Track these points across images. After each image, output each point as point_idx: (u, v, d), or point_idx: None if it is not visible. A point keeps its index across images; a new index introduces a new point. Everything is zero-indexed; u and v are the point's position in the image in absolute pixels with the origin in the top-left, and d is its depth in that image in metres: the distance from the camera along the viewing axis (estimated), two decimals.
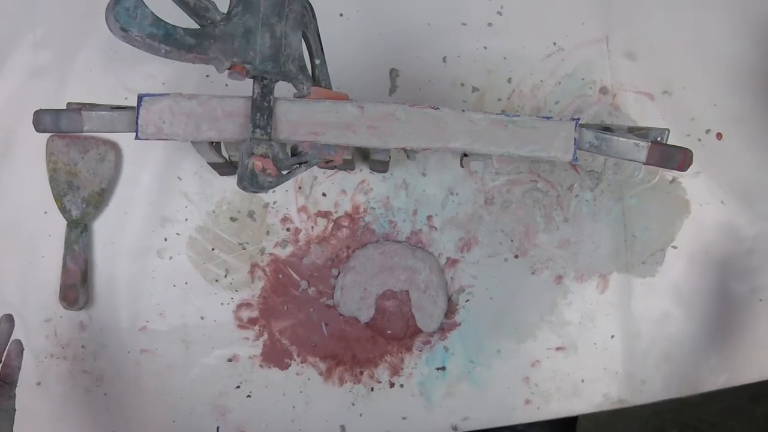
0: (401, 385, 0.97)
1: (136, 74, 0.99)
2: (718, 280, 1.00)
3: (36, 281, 0.96)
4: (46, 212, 0.96)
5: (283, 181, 0.71)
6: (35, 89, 0.99)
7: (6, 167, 0.97)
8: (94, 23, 0.99)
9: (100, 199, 0.96)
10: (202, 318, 0.96)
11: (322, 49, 0.76)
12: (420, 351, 0.97)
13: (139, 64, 0.98)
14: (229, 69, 0.67)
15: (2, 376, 0.78)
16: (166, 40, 0.62)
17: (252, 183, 0.67)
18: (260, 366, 0.96)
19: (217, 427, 0.95)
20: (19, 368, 0.79)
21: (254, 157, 0.67)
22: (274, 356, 0.96)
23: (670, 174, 0.99)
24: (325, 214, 0.98)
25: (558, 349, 0.99)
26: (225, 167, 0.91)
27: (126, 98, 0.97)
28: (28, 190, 0.97)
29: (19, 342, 0.80)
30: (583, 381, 0.99)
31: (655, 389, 1.00)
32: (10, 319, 0.80)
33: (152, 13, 0.62)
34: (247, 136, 0.68)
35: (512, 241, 0.98)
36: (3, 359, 0.79)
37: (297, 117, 0.71)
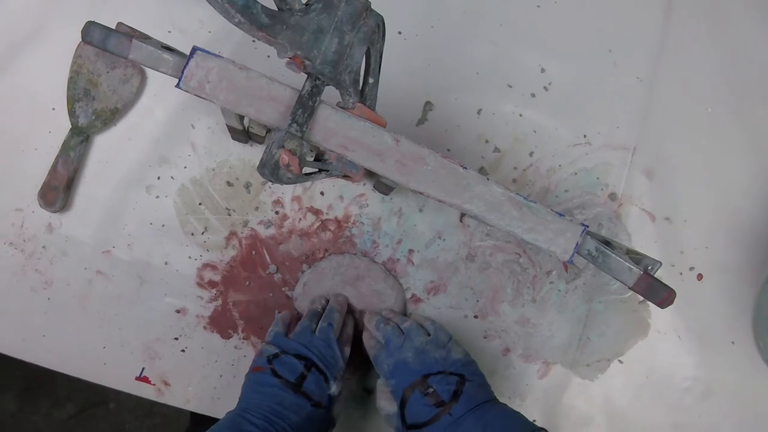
0: None
1: (187, 14, 0.99)
2: (648, 405, 1.03)
3: (20, 168, 0.95)
4: (54, 109, 0.96)
5: (300, 181, 0.72)
6: None
7: (32, 50, 0.97)
8: None
9: (110, 117, 0.96)
10: (166, 263, 0.96)
11: (379, 70, 0.76)
12: (356, 369, 0.98)
13: (194, 4, 0.98)
14: (289, 58, 0.68)
15: None
16: (242, 11, 0.62)
17: (272, 173, 0.68)
18: (204, 327, 0.97)
19: (142, 368, 0.96)
20: None
21: (283, 150, 0.68)
22: (221, 323, 0.97)
23: None
24: (316, 212, 0.98)
25: None
26: (240, 134, 0.92)
27: (169, 31, 0.98)
28: (44, 81, 0.96)
29: None
30: None
31: None
32: None
33: None
34: (283, 126, 0.69)
35: (478, 301, 1.00)
36: None
37: (335, 126, 0.71)
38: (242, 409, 0.79)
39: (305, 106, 0.69)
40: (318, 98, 0.70)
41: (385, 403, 0.86)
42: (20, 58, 0.96)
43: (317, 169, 0.75)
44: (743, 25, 1.08)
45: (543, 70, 1.04)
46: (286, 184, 0.71)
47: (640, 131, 1.04)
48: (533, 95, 1.03)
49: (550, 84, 1.03)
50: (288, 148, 0.69)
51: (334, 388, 0.84)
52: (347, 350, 0.89)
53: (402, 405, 0.83)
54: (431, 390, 0.81)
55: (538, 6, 1.05)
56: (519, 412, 0.82)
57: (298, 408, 0.80)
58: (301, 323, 0.89)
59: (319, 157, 0.75)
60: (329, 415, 0.84)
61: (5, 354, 0.95)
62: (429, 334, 0.88)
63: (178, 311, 0.97)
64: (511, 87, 1.03)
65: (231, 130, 0.92)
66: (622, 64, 1.05)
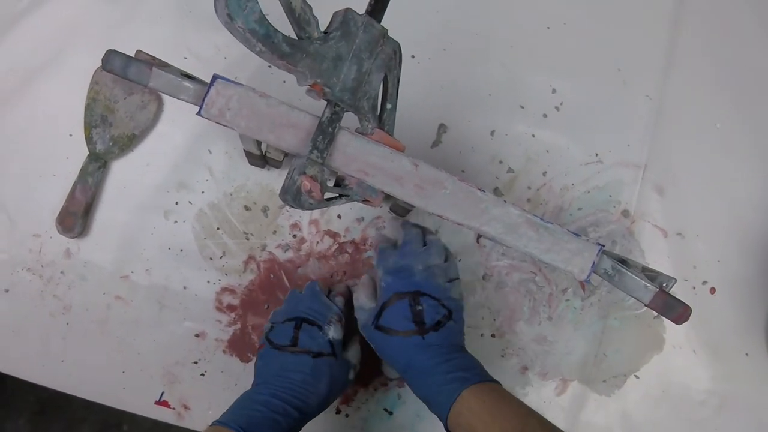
0: (346, 415, 0.98)
1: (203, 39, 1.00)
2: (665, 419, 1.03)
3: (38, 194, 0.96)
4: (71, 135, 0.97)
5: (321, 206, 0.72)
6: (100, 13, 0.99)
7: (49, 77, 0.98)
8: None
9: (128, 143, 0.96)
10: (184, 287, 0.97)
11: (397, 95, 0.77)
12: (375, 390, 0.99)
13: (211, 31, 0.99)
14: (309, 86, 0.68)
15: None
16: (264, 41, 0.63)
17: (294, 199, 0.69)
18: (223, 351, 0.97)
19: (162, 392, 0.96)
20: None
21: (304, 177, 0.69)
22: (240, 347, 0.97)
23: None
24: (334, 235, 0.99)
25: None
26: (257, 159, 0.93)
27: (185, 57, 0.99)
28: (61, 107, 0.97)
29: None
30: None
31: None
32: None
33: (260, 10, 0.62)
34: (304, 153, 0.69)
35: (494, 320, 1.01)
36: None
37: (354, 152, 0.72)
38: (253, 385, 0.84)
39: (325, 133, 0.70)
40: (337, 125, 0.71)
41: (365, 299, 0.87)
42: (37, 85, 0.98)
43: (338, 195, 0.76)
44: (750, 41, 1.10)
45: (554, 91, 1.05)
46: (308, 209, 0.72)
47: (650, 148, 1.05)
48: (545, 115, 1.04)
49: (561, 104, 1.04)
50: (309, 175, 0.70)
51: (331, 332, 0.86)
52: (339, 299, 0.91)
53: (384, 305, 0.83)
54: (420, 308, 0.81)
55: (548, 27, 1.06)
56: (480, 363, 0.82)
57: (300, 365, 0.82)
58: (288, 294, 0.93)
59: (339, 183, 0.76)
60: (341, 359, 0.86)
61: (24, 379, 0.95)
62: (445, 261, 0.88)
63: (197, 335, 0.97)
64: (523, 108, 1.04)
65: (248, 155, 0.92)
66: (631, 82, 1.06)
